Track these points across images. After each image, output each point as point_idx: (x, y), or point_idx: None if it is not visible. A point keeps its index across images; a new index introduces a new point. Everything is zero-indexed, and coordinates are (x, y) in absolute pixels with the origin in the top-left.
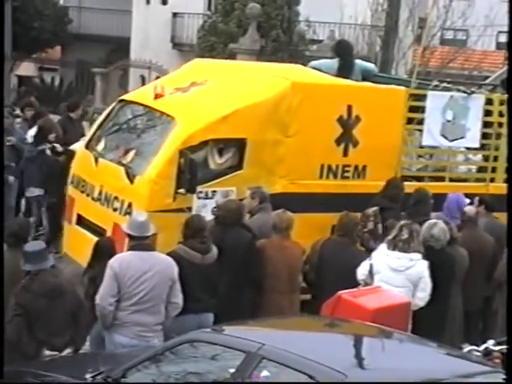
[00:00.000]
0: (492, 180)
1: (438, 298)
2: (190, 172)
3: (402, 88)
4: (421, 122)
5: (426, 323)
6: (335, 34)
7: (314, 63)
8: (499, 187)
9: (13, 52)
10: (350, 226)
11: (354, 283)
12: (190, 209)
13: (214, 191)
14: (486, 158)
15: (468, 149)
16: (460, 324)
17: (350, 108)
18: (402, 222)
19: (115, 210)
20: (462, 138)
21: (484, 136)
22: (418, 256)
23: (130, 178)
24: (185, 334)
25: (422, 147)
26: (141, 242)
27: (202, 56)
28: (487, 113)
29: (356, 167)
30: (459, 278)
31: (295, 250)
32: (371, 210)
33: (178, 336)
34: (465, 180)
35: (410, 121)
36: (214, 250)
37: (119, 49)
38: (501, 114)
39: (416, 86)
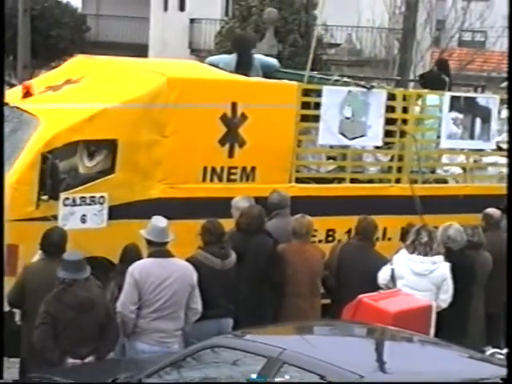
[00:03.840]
0: (398, 181)
1: (458, 300)
2: (52, 177)
3: (294, 83)
4: (317, 119)
5: (447, 326)
6: (353, 37)
7: (210, 59)
8: (405, 188)
9: (32, 60)
10: (368, 229)
11: (374, 287)
12: (55, 217)
13: (83, 197)
14: (390, 158)
15: (378, 147)
16: (482, 327)
17: (234, 105)
18: (419, 225)
19: None
20: (362, 136)
21: (387, 134)
22: (441, 258)
23: None
24: (205, 339)
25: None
26: (160, 249)
27: None
28: (390, 109)
29: (244, 169)
30: (481, 280)
31: (315, 253)
32: None
33: (197, 341)
34: (368, 181)
35: (304, 118)
36: (233, 255)
37: (137, 55)
38: (405, 110)
39: (317, 81)
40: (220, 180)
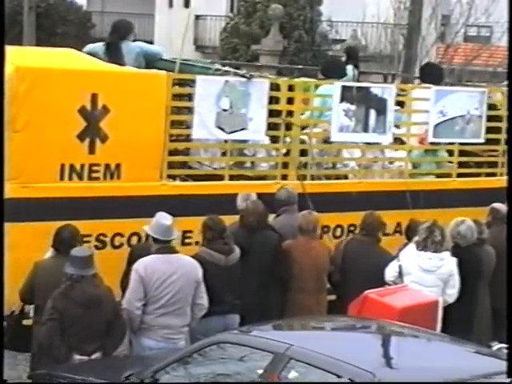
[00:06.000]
0: (284, 177)
1: (464, 296)
2: None
3: (163, 72)
4: (191, 111)
5: (453, 321)
6: (358, 33)
7: (88, 47)
8: (293, 185)
9: None
10: (374, 225)
11: (379, 282)
12: None
13: None
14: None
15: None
16: (488, 322)
17: (94, 97)
18: (429, 223)
19: None
20: (242, 129)
21: (272, 127)
22: (448, 254)
23: None
24: (211, 335)
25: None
26: (166, 246)
27: (225, 58)
28: (274, 100)
29: (107, 166)
30: (486, 276)
31: (321, 250)
32: None
33: (204, 337)
34: (255, 178)
35: (175, 111)
36: (237, 250)
37: None
38: (290, 101)
39: (198, 71)
40: (80, 178)
